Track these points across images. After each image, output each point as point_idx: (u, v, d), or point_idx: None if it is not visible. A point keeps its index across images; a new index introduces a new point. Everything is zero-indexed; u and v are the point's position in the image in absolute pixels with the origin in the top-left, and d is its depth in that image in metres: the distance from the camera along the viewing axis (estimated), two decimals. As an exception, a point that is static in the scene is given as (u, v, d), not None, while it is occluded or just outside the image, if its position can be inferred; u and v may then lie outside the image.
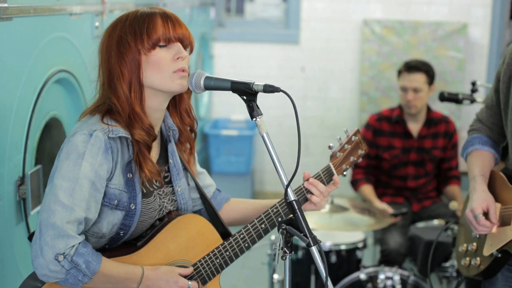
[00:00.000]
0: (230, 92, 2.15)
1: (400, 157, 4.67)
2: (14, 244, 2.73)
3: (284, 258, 2.09)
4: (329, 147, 2.57)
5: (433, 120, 4.70)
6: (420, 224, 4.28)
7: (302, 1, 6.80)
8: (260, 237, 2.42)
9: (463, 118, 6.55)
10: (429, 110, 4.73)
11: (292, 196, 2.07)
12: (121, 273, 2.17)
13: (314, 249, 2.05)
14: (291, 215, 2.10)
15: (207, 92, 6.67)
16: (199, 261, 2.36)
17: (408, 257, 4.30)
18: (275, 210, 2.43)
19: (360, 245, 4.03)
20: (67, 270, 2.06)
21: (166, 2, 4.88)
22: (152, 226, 2.35)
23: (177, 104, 2.39)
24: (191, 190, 2.48)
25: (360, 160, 2.64)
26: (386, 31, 6.60)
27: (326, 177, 2.53)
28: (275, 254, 3.87)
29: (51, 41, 2.95)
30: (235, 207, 2.62)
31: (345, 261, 3.99)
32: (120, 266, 2.18)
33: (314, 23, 6.82)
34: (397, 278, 3.82)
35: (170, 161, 2.38)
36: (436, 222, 4.29)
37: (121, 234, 2.26)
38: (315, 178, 2.50)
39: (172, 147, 2.39)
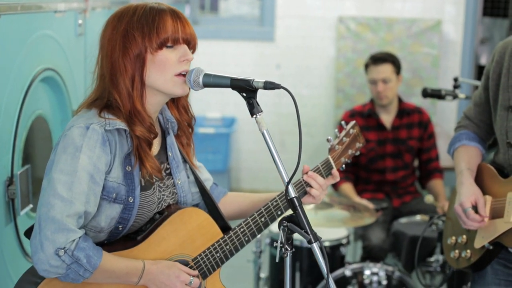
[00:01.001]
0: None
1: (376, 149, 4.69)
2: (3, 245, 2.69)
3: (285, 255, 2.09)
4: (328, 140, 2.58)
5: (405, 110, 4.74)
6: (403, 220, 4.31)
7: (277, -2, 6.81)
8: (260, 230, 2.41)
9: (438, 114, 6.59)
10: (400, 101, 4.78)
11: (293, 193, 2.07)
12: (121, 267, 2.15)
13: (315, 246, 2.05)
14: (291, 211, 2.10)
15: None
16: (199, 255, 2.35)
17: (391, 253, 4.32)
18: (274, 204, 2.43)
19: (344, 241, 4.04)
20: (68, 265, 2.05)
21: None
22: (152, 219, 2.33)
23: (176, 101, 2.39)
24: (191, 184, 2.47)
25: (358, 153, 2.65)
26: (361, 28, 6.62)
27: (325, 170, 2.53)
28: (260, 252, 3.88)
29: (37, 39, 2.92)
30: (233, 200, 2.61)
31: (329, 257, 4.00)
32: (120, 260, 2.16)
33: (289, 20, 6.82)
34: (382, 273, 3.84)
35: (169, 153, 2.37)
36: (418, 217, 4.31)
37: (120, 228, 2.24)
38: (314, 170, 2.50)
39: (171, 139, 2.38)
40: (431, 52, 6.57)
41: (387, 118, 4.74)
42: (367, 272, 3.84)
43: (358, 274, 3.88)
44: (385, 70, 4.66)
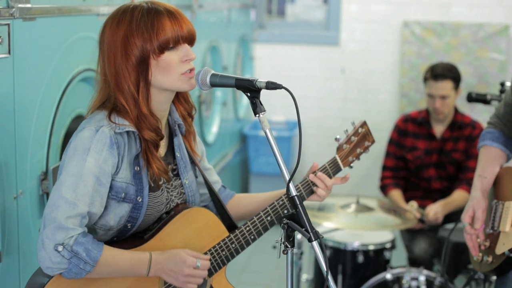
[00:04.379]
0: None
1: (422, 158, 4.65)
2: (35, 238, 2.79)
3: (285, 252, 2.12)
4: (336, 139, 2.60)
5: (457, 123, 4.65)
6: (450, 226, 4.26)
7: (342, 2, 6.81)
8: (266, 229, 2.45)
9: (505, 120, 6.46)
10: (456, 112, 4.69)
11: (293, 192, 2.10)
12: (125, 260, 2.20)
13: (315, 244, 2.07)
14: (287, 214, 2.14)
15: (247, 93, 6.70)
16: (205, 253, 2.39)
17: (436, 259, 4.28)
18: (281, 203, 2.46)
19: (388, 245, 4.03)
20: (68, 260, 2.10)
21: (202, 3, 4.94)
22: (159, 219, 2.38)
23: (176, 93, 2.43)
24: (200, 186, 2.53)
25: (368, 151, 2.64)
26: (426, 33, 6.57)
27: (332, 169, 2.56)
28: (301, 253, 3.90)
29: (77, 41, 3.02)
30: (240, 202, 2.66)
31: (372, 261, 4.00)
32: (125, 253, 2.21)
33: (354, 24, 6.82)
34: (422, 279, 3.81)
35: (177, 154, 2.42)
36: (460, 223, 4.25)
37: (129, 227, 2.30)
38: (321, 169, 2.54)
39: (178, 140, 2.44)
40: (498, 57, 6.46)
41: (439, 129, 4.68)
42: (407, 277, 3.82)
43: (399, 278, 3.86)
44: (445, 87, 4.55)
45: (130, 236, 2.36)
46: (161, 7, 2.26)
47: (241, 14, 6.40)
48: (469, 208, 2.85)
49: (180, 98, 2.45)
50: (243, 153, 6.70)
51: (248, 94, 2.14)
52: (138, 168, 2.27)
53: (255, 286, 5.13)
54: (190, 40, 2.28)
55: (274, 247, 4.08)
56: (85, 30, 3.10)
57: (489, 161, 2.90)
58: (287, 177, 2.10)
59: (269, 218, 2.45)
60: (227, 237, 2.42)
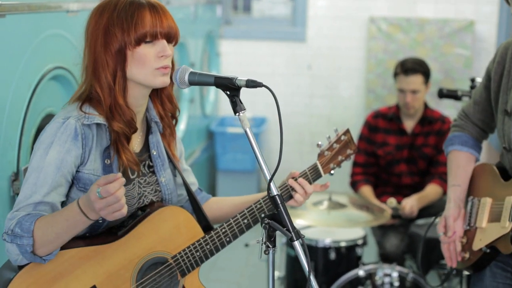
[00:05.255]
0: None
1: (393, 154, 4.66)
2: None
3: (267, 252, 2.11)
4: (318, 145, 2.59)
5: (428, 118, 4.68)
6: (420, 221, 4.29)
7: (308, -2, 6.81)
8: (242, 232, 2.44)
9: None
10: (426, 107, 4.72)
11: (275, 191, 2.08)
12: (61, 219, 2.12)
13: (297, 244, 2.06)
14: (268, 214, 2.13)
15: (213, 90, 6.68)
16: (179, 253, 2.38)
17: (408, 254, 4.30)
18: (258, 206, 2.46)
19: (360, 242, 4.03)
20: (10, 243, 2.12)
21: (170, 0, 4.90)
22: (134, 216, 2.37)
23: (159, 91, 2.43)
24: (178, 187, 2.51)
25: (349, 159, 2.65)
26: (393, 29, 6.59)
27: (313, 175, 2.55)
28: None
29: (47, 38, 2.96)
30: (215, 205, 2.65)
31: (344, 258, 4.00)
32: (57, 214, 2.15)
33: (321, 20, 6.82)
34: (395, 275, 3.82)
35: (154, 152, 2.41)
36: (438, 220, 4.27)
37: (100, 221, 2.28)
38: (302, 175, 2.53)
39: (156, 138, 2.43)
40: (464, 53, 6.50)
41: (410, 124, 4.70)
42: (380, 273, 3.83)
43: (372, 275, 3.87)
44: (415, 81, 4.59)
45: (103, 232, 2.34)
46: (145, 0, 2.27)
47: (207, 10, 6.37)
48: (442, 218, 2.89)
49: (163, 98, 2.44)
50: (210, 150, 6.66)
51: (228, 93, 2.13)
52: (109, 161, 2.27)
53: (225, 283, 5.11)
54: (169, 37, 2.28)
55: (246, 245, 4.08)
56: (55, 27, 3.05)
57: (460, 168, 2.92)
58: (268, 176, 2.09)
59: (245, 221, 2.44)
60: (203, 238, 2.41)
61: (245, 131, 2.11)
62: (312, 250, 3.96)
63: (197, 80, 2.16)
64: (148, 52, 2.24)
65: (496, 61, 2.76)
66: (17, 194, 2.78)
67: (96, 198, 2.01)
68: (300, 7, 6.84)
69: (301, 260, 2.07)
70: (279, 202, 2.07)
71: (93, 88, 2.26)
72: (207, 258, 2.41)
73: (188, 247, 2.38)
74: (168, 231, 2.37)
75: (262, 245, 2.12)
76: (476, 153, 2.94)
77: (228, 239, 2.43)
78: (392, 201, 4.32)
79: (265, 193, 2.45)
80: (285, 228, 2.07)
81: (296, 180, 2.50)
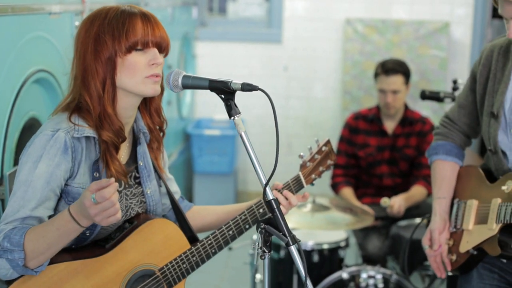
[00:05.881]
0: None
1: (374, 155, 4.67)
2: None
3: (263, 257, 2.09)
4: (300, 156, 2.62)
5: (408, 119, 4.69)
6: (402, 223, 4.29)
7: (284, 0, 6.79)
8: (227, 243, 2.45)
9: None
10: (406, 108, 4.73)
11: (270, 195, 2.07)
12: (52, 229, 2.09)
13: (293, 248, 2.05)
14: (264, 218, 2.11)
15: (189, 92, 6.65)
16: (166, 265, 2.37)
17: (390, 256, 4.30)
18: (243, 217, 2.47)
19: (343, 244, 4.03)
20: (1, 257, 2.08)
21: (148, 2, 4.86)
22: (121, 228, 2.35)
23: (148, 104, 2.41)
24: (162, 196, 2.50)
25: (329, 169, 2.69)
26: (369, 30, 6.61)
27: (295, 186, 2.58)
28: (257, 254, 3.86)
29: (30, 41, 2.92)
30: (198, 214, 2.64)
31: (327, 260, 3.99)
32: (47, 223, 2.12)
33: (297, 22, 6.82)
34: (379, 277, 3.82)
35: (140, 163, 2.39)
36: (418, 220, 4.29)
37: (87, 234, 2.25)
38: (285, 187, 2.55)
39: (143, 149, 2.41)
40: (439, 54, 6.54)
41: (390, 125, 4.71)
42: (363, 275, 3.82)
43: (355, 277, 3.87)
44: (396, 81, 4.60)
45: (90, 245, 2.31)
46: (136, 9, 2.26)
47: (183, 12, 6.34)
48: (427, 231, 2.89)
49: (152, 111, 2.42)
50: (187, 153, 6.63)
51: (222, 96, 2.10)
52: (98, 174, 2.24)
53: (205, 286, 5.08)
54: (160, 46, 2.27)
55: (230, 248, 4.06)
56: (38, 29, 3.01)
57: (445, 179, 2.92)
58: (264, 181, 2.07)
59: (231, 232, 2.45)
60: (189, 249, 2.40)
61: (240, 135, 2.09)
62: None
63: (191, 84, 2.14)
64: (139, 60, 2.22)
65: (481, 64, 2.77)
66: (2, 200, 2.74)
67: (91, 204, 1.98)
68: (276, 9, 6.83)
69: (297, 265, 2.07)
70: (275, 207, 2.06)
71: (82, 97, 2.23)
72: (193, 269, 2.41)
73: (175, 259, 2.38)
74: (156, 244, 2.36)
75: (257, 250, 2.09)
76: (460, 162, 2.95)
77: (213, 250, 2.43)
78: (386, 200, 4.33)
79: (249, 203, 2.52)
80: (281, 233, 2.05)
81: (280, 191, 2.51)
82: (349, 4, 6.72)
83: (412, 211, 4.53)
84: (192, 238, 2.47)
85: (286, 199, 2.48)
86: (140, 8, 2.27)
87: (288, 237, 2.04)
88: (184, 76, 2.15)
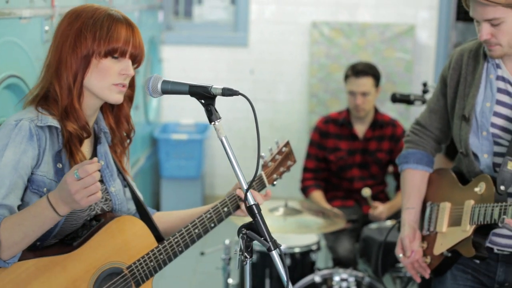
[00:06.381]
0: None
1: (345, 159, 4.69)
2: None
3: (245, 263, 2.08)
4: (261, 157, 2.66)
5: (379, 122, 4.72)
6: (373, 225, 4.31)
7: (250, 3, 6.79)
8: (193, 241, 2.46)
9: (411, 118, 6.60)
10: (376, 112, 4.76)
11: (252, 201, 2.07)
12: (28, 217, 2.10)
13: (274, 254, 2.04)
14: (245, 224, 2.10)
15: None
16: (134, 263, 2.37)
17: (362, 259, 4.32)
18: (208, 216, 2.49)
19: (314, 247, 4.04)
20: None
21: (115, 5, 4.82)
22: (89, 226, 2.34)
23: (116, 110, 2.44)
24: (128, 201, 2.52)
25: (289, 171, 2.73)
26: (335, 33, 6.63)
27: (258, 186, 2.62)
28: (229, 259, 3.86)
29: (0, 46, 2.89)
30: (160, 220, 2.63)
31: (299, 263, 4.00)
32: (24, 212, 2.12)
33: (263, 25, 6.82)
34: (351, 279, 3.83)
35: (102, 162, 2.39)
36: (389, 222, 4.32)
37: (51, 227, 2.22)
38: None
39: (104, 148, 2.42)
40: (404, 57, 6.58)
41: (361, 129, 4.73)
42: (336, 278, 3.84)
43: (327, 280, 3.87)
44: (366, 83, 4.63)
45: (58, 243, 2.31)
46: (123, 17, 2.29)
47: (149, 15, 6.30)
48: (398, 241, 2.91)
49: (121, 118, 2.45)
50: (154, 157, 6.59)
51: (203, 101, 2.09)
52: (61, 165, 2.24)
53: (174, 293, 5.07)
54: (135, 58, 2.30)
55: (202, 253, 4.04)
56: (8, 34, 2.97)
57: (415, 189, 2.94)
58: (245, 186, 2.06)
59: (196, 230, 2.46)
60: (156, 248, 2.41)
61: (221, 140, 2.08)
62: (267, 257, 3.94)
63: (171, 89, 2.13)
64: (112, 66, 2.25)
65: (451, 68, 2.79)
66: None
67: (73, 179, 2.01)
68: (242, 12, 6.83)
69: (278, 270, 2.06)
70: (257, 212, 2.05)
71: (52, 86, 2.26)
72: (160, 268, 2.41)
73: (143, 257, 2.38)
74: (124, 241, 2.36)
75: (239, 255, 2.09)
76: (431, 169, 2.97)
77: (180, 248, 2.44)
78: (367, 191, 4.35)
79: (212, 205, 2.54)
80: (262, 238, 2.04)
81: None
82: (315, 8, 6.74)
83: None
84: (158, 238, 2.48)
85: None
86: (126, 17, 2.29)
87: (270, 242, 2.04)
88: (164, 82, 2.14)
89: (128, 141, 2.51)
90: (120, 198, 2.44)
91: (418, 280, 2.90)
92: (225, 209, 2.53)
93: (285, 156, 2.68)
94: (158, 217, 2.64)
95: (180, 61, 6.91)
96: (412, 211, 2.91)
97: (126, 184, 2.50)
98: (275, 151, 2.69)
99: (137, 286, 2.37)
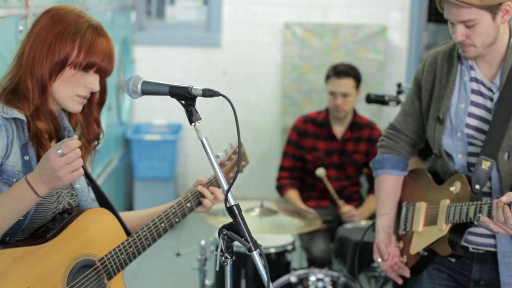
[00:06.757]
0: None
1: (323, 159, 4.71)
2: None
3: (225, 264, 2.08)
4: (218, 156, 2.69)
5: (357, 124, 4.75)
6: (348, 225, 4.33)
7: (223, 4, 6.79)
8: (159, 235, 2.51)
9: (384, 119, 6.64)
10: (355, 113, 4.78)
11: (232, 201, 2.07)
12: (6, 199, 2.10)
13: (255, 254, 2.04)
14: (226, 224, 2.10)
15: (128, 96, 6.57)
16: (106, 255, 2.38)
17: (337, 259, 4.34)
18: (173, 211, 2.55)
19: (289, 247, 4.04)
20: None
21: (88, 5, 4.79)
22: (60, 219, 2.33)
23: (87, 113, 2.43)
24: (93, 201, 2.52)
25: (243, 171, 2.84)
26: (307, 34, 6.65)
27: (217, 183, 2.66)
28: (205, 259, 3.85)
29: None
30: (124, 218, 2.61)
31: (274, 264, 4.00)
32: (2, 194, 2.12)
33: (236, 26, 6.82)
34: (327, 279, 3.85)
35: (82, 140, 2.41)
36: (363, 222, 4.34)
37: (21, 218, 2.20)
38: (209, 183, 2.64)
39: None
40: (377, 58, 6.62)
41: (339, 129, 4.76)
42: (312, 278, 3.85)
43: (303, 280, 3.88)
44: (347, 84, 4.65)
45: (30, 236, 2.30)
46: (106, 34, 2.31)
47: (122, 16, 6.27)
48: (375, 247, 2.93)
49: (91, 121, 2.44)
50: (127, 158, 6.56)
51: (183, 102, 2.09)
52: (28, 157, 2.23)
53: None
54: (103, 75, 2.32)
55: (178, 254, 4.03)
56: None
57: (389, 195, 2.96)
58: (225, 187, 2.06)
59: (163, 225, 2.51)
60: (126, 240, 2.44)
61: (201, 141, 2.08)
62: (242, 257, 3.94)
63: (151, 90, 2.12)
64: (80, 78, 2.25)
65: (425, 70, 2.81)
66: None
67: (56, 156, 2.01)
68: (214, 13, 6.82)
69: (259, 270, 2.06)
70: (237, 213, 2.05)
71: (23, 83, 2.23)
72: (130, 260, 2.43)
73: (114, 249, 2.40)
74: (96, 233, 2.38)
75: (219, 256, 2.09)
76: (406, 173, 2.99)
77: (148, 242, 2.47)
78: (322, 171, 4.39)
79: (176, 200, 2.59)
80: (243, 238, 2.04)
81: (205, 187, 2.62)
82: (288, 9, 6.75)
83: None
84: (126, 232, 2.49)
85: (212, 193, 2.60)
86: (105, 31, 2.30)
87: (250, 243, 2.04)
88: (144, 82, 2.12)
89: (95, 142, 2.50)
90: (85, 195, 2.45)
91: (400, 281, 2.91)
92: (188, 204, 2.58)
93: (240, 156, 2.75)
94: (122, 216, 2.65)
95: (152, 62, 6.89)
96: (387, 217, 2.93)
97: (89, 183, 2.50)
98: (230, 151, 2.77)
99: (109, 278, 2.39)
